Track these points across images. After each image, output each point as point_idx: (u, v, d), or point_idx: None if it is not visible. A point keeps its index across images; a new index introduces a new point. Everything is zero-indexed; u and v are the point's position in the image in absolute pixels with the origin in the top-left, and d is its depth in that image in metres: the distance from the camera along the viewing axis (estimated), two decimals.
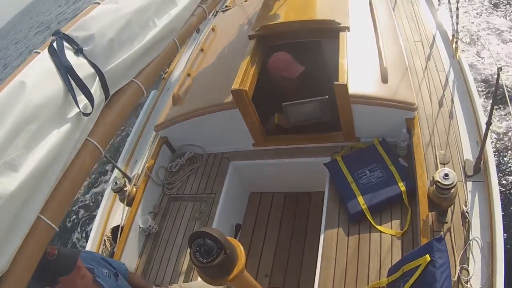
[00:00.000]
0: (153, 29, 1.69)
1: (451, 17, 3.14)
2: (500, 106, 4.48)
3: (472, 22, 5.45)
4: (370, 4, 3.13)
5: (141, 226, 2.65)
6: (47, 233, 1.17)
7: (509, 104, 1.90)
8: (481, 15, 6.33)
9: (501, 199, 2.05)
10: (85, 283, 1.66)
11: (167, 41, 1.79)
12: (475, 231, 1.97)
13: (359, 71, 2.51)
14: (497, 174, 2.16)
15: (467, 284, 1.81)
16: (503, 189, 3.75)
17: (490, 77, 4.94)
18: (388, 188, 2.28)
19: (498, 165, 3.89)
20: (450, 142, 2.42)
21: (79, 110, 1.31)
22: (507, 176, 3.92)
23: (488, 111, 1.94)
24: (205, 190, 2.86)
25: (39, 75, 1.28)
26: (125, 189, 2.75)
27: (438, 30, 3.33)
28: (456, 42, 3.07)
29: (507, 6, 6.37)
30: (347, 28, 2.73)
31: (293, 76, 2.75)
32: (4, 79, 1.28)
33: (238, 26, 3.44)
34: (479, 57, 5.38)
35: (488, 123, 1.96)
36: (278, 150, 2.86)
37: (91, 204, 6.10)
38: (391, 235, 2.13)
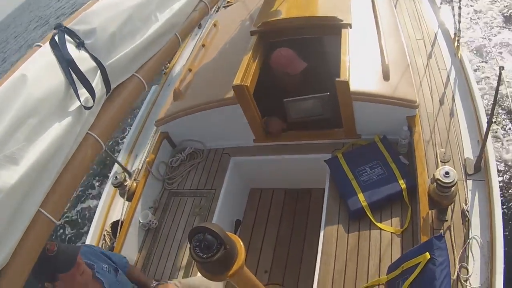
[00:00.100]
0: (155, 24, 1.68)
1: (453, 15, 3.13)
2: (501, 105, 4.47)
3: (474, 20, 5.43)
4: (372, 1, 3.12)
5: (141, 221, 2.65)
6: (48, 227, 1.17)
7: (511, 103, 1.89)
8: (484, 13, 6.30)
9: (501, 198, 2.05)
10: (84, 279, 1.66)
11: (169, 35, 1.77)
12: (475, 230, 1.97)
13: (361, 68, 2.51)
14: (498, 173, 2.16)
15: (466, 283, 1.81)
16: (503, 188, 3.75)
17: (491, 75, 4.92)
18: (389, 185, 2.28)
19: (498, 164, 3.89)
20: (451, 140, 2.41)
21: (80, 103, 1.31)
22: (507, 175, 3.92)
23: (490, 109, 1.94)
24: (206, 186, 2.87)
25: (40, 68, 1.27)
26: (125, 184, 2.75)
27: (440, 28, 3.32)
28: (458, 40, 3.06)
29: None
30: (349, 25, 2.72)
31: (295, 72, 2.73)
32: (5, 72, 1.28)
33: (239, 21, 3.43)
34: (481, 55, 5.36)
35: (489, 122, 1.96)
36: (278, 146, 2.85)
37: (91, 198, 6.10)
38: (391, 232, 2.14)
